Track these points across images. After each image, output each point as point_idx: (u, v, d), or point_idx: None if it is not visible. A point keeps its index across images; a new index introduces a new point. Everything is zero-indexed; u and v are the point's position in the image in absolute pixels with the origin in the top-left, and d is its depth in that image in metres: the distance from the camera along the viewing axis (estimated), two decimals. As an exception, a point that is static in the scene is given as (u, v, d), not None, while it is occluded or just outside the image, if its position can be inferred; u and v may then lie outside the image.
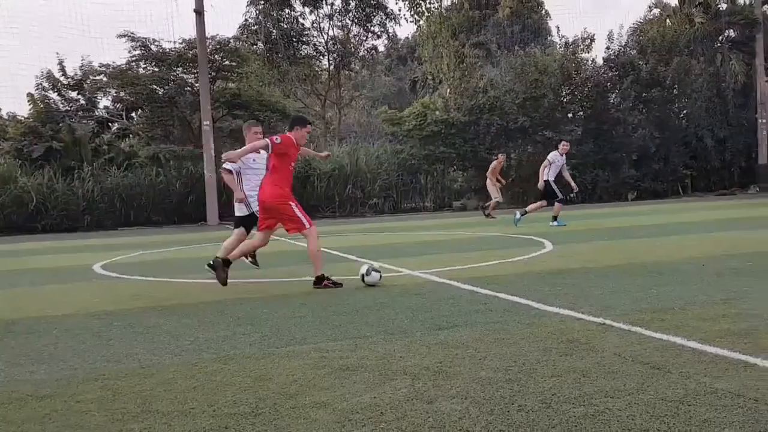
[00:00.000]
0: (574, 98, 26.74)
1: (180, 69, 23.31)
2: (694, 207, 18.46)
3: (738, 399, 2.81)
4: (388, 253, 9.57)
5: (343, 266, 8.14)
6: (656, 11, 30.17)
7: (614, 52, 27.04)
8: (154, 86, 22.99)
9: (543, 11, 33.15)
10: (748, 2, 28.24)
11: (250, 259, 8.16)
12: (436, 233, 13.41)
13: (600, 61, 27.47)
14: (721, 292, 5.26)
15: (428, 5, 27.40)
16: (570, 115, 26.81)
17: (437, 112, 25.63)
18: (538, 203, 13.70)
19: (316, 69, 31.53)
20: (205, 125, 21.21)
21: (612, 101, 26.84)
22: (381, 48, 34.48)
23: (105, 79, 23.69)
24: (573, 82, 26.20)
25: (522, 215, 13.73)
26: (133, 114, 26.27)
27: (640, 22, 30.03)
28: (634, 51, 27.45)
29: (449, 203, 25.05)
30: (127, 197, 21.12)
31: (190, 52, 22.61)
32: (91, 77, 24.41)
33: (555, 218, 13.35)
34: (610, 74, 26.80)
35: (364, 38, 30.22)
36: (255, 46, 29.14)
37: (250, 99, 23.77)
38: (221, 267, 6.59)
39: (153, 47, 22.69)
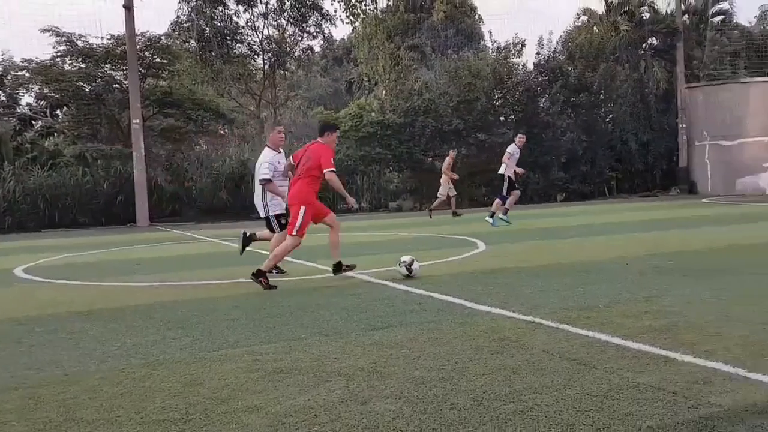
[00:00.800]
0: (505, 102, 27.34)
1: (108, 66, 22.46)
2: (619, 208, 19.22)
3: (658, 392, 2.94)
4: (323, 254, 9.49)
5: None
6: (584, 18, 31.23)
7: (544, 58, 27.81)
8: (81, 83, 22.06)
9: (476, 16, 33.76)
10: (669, 12, 29.63)
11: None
12: (372, 234, 13.44)
13: (530, 66, 28.23)
14: (643, 290, 5.49)
15: (364, 7, 27.41)
16: (502, 118, 27.37)
17: (373, 114, 25.71)
18: (512, 197, 14.01)
19: (251, 68, 31.03)
20: (135, 124, 20.55)
21: (542, 105, 27.58)
22: (317, 48, 34.24)
23: (27, 74, 22.55)
24: (505, 86, 26.79)
25: (505, 214, 13.95)
26: (58, 111, 25.14)
27: (569, 29, 31.04)
28: (563, 57, 28.30)
29: (385, 204, 25.18)
30: (51, 198, 20.18)
31: (119, 49, 21.84)
32: (12, 72, 23.20)
33: (492, 215, 13.64)
34: (540, 79, 27.54)
35: (300, 38, 29.97)
36: (187, 44, 28.40)
37: (182, 97, 23.18)
38: (342, 269, 6.82)
39: (79, 43, 21.79)
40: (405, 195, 25.39)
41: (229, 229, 17.38)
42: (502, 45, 28.09)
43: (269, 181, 7.20)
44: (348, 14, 27.57)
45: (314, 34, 29.88)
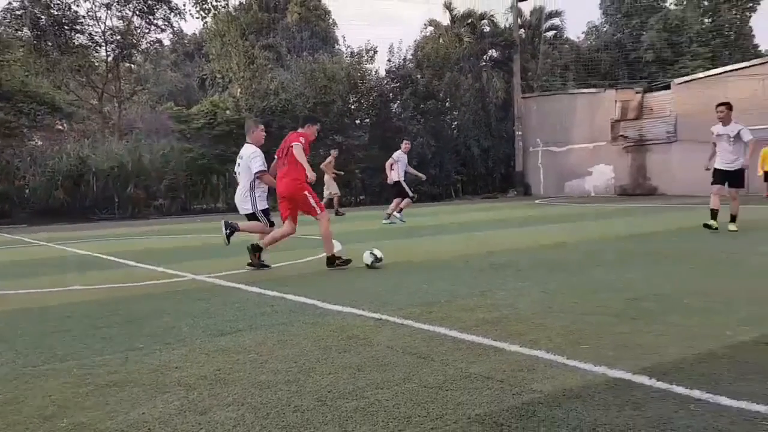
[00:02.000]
0: (360, 106, 27.90)
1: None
2: (464, 209, 20.30)
3: (487, 381, 3.14)
4: (172, 257, 9.13)
5: (121, 273, 7.60)
6: (431, 29, 32.65)
7: (395, 65, 28.72)
8: None
9: (330, 20, 34.08)
10: (507, 26, 31.81)
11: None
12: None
13: (383, 73, 29.04)
14: (480, 285, 5.85)
15: (215, 3, 26.63)
16: (357, 121, 27.92)
17: (228, 112, 25.05)
18: (394, 203, 14.68)
19: (92, 60, 28.92)
20: (-45, 117, 18.43)
21: (394, 111, 28.49)
22: (166, 42, 32.70)
23: None
24: (359, 91, 27.32)
25: (389, 218, 14.45)
26: None
27: (418, 38, 32.35)
28: (413, 65, 29.41)
29: (244, 204, 24.58)
30: None
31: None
32: None
33: (400, 210, 14.55)
34: (391, 85, 28.41)
35: (147, 31, 28.45)
36: (20, 32, 25.90)
37: (13, 89, 21.20)
38: (331, 263, 7.25)
39: None
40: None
41: (66, 231, 16.09)
42: (356, 50, 28.61)
43: (265, 171, 7.37)
44: (198, 9, 26.63)
45: (162, 27, 28.51)
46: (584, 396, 2.89)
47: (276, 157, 7.48)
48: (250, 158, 7.37)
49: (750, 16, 39.84)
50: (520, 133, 29.38)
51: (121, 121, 27.32)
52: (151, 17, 27.57)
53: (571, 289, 5.55)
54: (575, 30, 46.18)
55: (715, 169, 9.87)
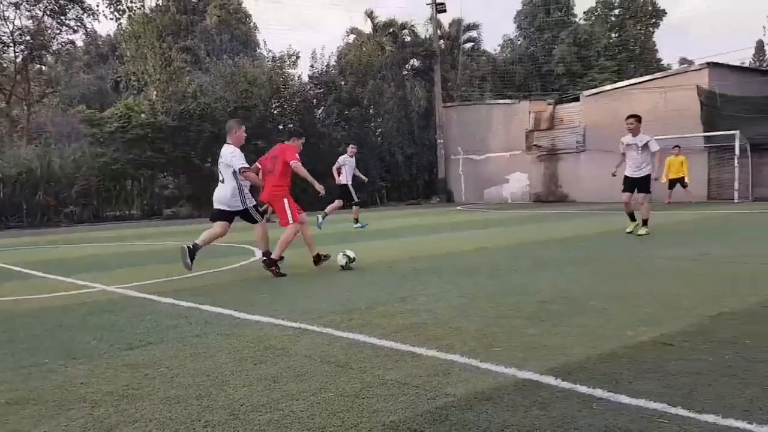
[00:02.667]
0: (283, 111, 27.64)
1: None
2: (389, 215, 20.47)
3: (403, 387, 3.17)
4: (82, 267, 8.73)
5: (27, 284, 7.19)
6: (353, 37, 32.85)
7: (318, 71, 28.66)
8: None
9: (251, 24, 33.63)
10: (428, 36, 32.43)
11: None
12: (141, 243, 12.65)
13: (306, 78, 28.92)
14: (401, 291, 5.91)
15: (130, 4, 25.76)
16: (281, 126, 27.63)
17: (143, 115, 24.22)
18: (335, 203, 14.54)
19: (0, 61, 27.34)
20: None
21: (318, 117, 28.41)
22: (79, 43, 31.30)
23: None
24: (282, 96, 27.07)
25: (323, 218, 14.24)
26: None
27: (341, 45, 32.50)
28: (336, 71, 29.46)
29: (159, 211, 23.85)
30: None
31: None
32: None
33: (356, 220, 14.56)
34: (315, 91, 28.33)
35: (59, 31, 27.14)
36: None
37: None
38: (270, 265, 7.27)
39: None
40: (182, 201, 24.34)
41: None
42: (278, 55, 28.37)
43: (248, 168, 7.41)
44: (112, 10, 25.68)
45: (75, 27, 27.31)
46: (495, 398, 2.96)
47: (259, 164, 7.75)
48: (229, 157, 7.38)
49: (653, 32, 42.43)
50: (441, 141, 29.95)
51: (30, 125, 25.93)
52: (62, 17, 26.40)
53: (487, 293, 5.69)
54: (492, 43, 47.68)
55: (625, 177, 10.49)
